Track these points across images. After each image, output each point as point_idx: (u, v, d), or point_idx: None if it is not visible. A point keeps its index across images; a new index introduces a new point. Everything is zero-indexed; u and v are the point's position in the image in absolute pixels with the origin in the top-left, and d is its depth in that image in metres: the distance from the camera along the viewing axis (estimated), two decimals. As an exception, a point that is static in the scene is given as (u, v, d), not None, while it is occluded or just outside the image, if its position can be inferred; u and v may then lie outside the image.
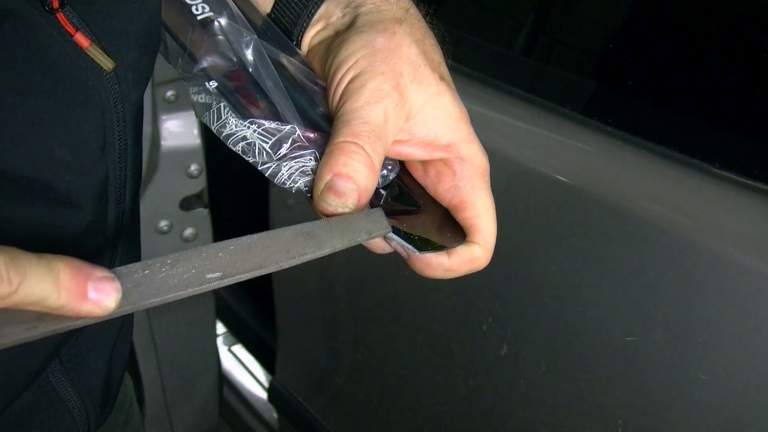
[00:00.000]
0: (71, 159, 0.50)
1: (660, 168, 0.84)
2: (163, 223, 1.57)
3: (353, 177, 0.47)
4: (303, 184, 0.50)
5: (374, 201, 0.51)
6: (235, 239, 0.43)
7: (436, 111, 0.51)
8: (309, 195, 0.50)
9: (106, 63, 0.50)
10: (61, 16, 0.48)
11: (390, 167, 0.53)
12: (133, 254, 0.63)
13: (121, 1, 0.51)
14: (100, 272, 0.38)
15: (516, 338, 0.98)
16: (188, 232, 1.61)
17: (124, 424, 0.77)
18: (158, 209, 1.55)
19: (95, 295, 0.38)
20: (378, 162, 0.48)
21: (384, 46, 0.50)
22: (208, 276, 0.41)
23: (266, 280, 1.59)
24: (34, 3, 0.47)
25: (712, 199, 0.79)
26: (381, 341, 1.27)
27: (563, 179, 0.91)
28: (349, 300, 1.32)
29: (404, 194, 0.53)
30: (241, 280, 0.43)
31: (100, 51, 0.49)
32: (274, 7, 0.57)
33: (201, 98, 0.53)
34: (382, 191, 0.53)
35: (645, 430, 0.85)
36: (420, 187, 0.54)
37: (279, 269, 0.44)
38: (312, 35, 0.56)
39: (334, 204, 0.47)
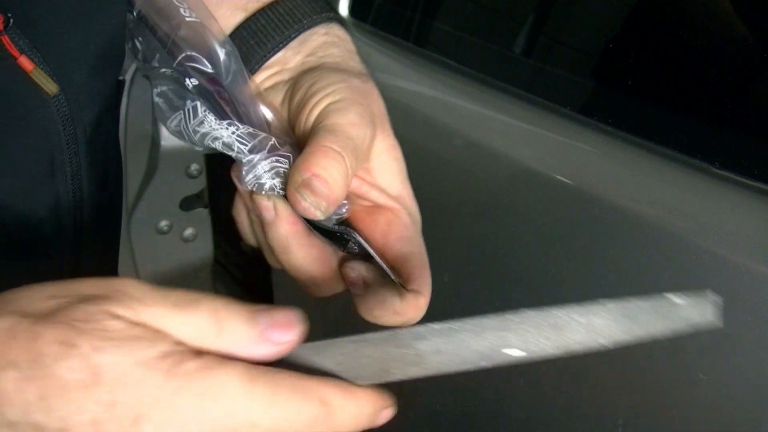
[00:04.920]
0: (15, 184, 0.50)
1: (660, 168, 0.84)
2: (163, 223, 1.57)
3: (330, 183, 0.45)
4: (278, 183, 0.49)
5: (341, 237, 0.50)
6: (538, 311, 0.40)
7: (391, 162, 0.52)
8: (281, 194, 0.49)
9: (50, 87, 0.49)
10: (5, 38, 0.47)
11: (346, 203, 0.52)
12: (105, 271, 0.63)
13: (73, 22, 0.51)
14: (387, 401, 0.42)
15: (516, 338, 0.98)
16: (188, 232, 1.61)
17: None
18: (158, 209, 1.55)
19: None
20: (350, 180, 0.47)
21: (360, 86, 0.50)
22: (506, 351, 0.39)
23: (266, 279, 1.59)
24: None
25: (712, 199, 0.79)
26: (381, 341, 1.26)
27: (563, 179, 0.91)
28: (349, 300, 1.32)
29: (348, 231, 0.52)
30: (540, 359, 0.40)
31: (44, 75, 0.49)
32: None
33: (164, 98, 0.53)
34: (335, 226, 0.51)
35: (645, 430, 0.85)
36: (363, 233, 0.54)
37: (583, 353, 0.41)
38: (263, 78, 0.55)
39: (309, 201, 0.45)
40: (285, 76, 0.54)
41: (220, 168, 1.68)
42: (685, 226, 0.80)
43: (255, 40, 0.54)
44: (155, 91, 0.53)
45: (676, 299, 0.43)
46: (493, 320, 0.39)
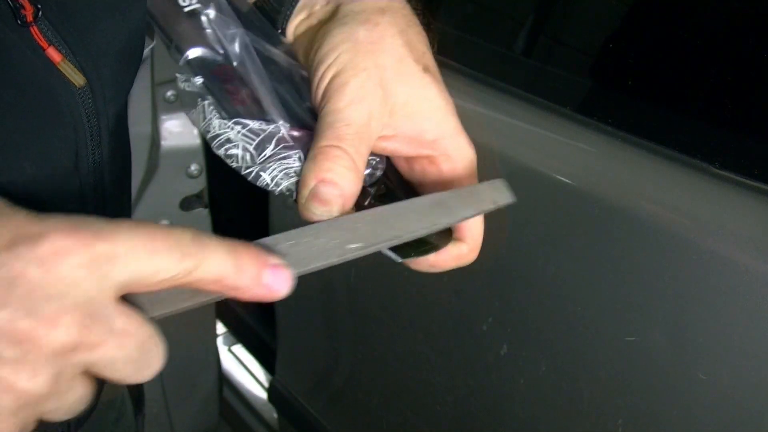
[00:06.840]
0: (42, 175, 0.50)
1: (660, 168, 0.84)
2: (163, 223, 1.57)
3: (338, 182, 0.46)
4: (286, 188, 0.49)
5: (359, 200, 0.50)
6: (370, 210, 0.45)
7: (421, 104, 0.50)
8: (293, 199, 0.49)
9: (77, 79, 0.49)
10: (34, 29, 0.47)
11: (376, 164, 0.52)
12: None
13: (100, 16, 0.51)
14: (274, 260, 0.40)
15: (516, 338, 0.98)
16: (188, 232, 1.61)
17: (115, 421, 0.77)
18: (158, 209, 1.55)
19: (270, 280, 0.40)
20: (362, 164, 0.48)
21: (366, 38, 0.49)
22: (349, 246, 0.43)
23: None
24: (4, 18, 0.46)
25: (712, 199, 0.79)
26: (381, 341, 1.27)
27: (563, 179, 0.91)
28: (349, 300, 1.32)
29: (390, 193, 0.53)
30: (380, 249, 0.44)
31: (71, 67, 0.49)
32: None
33: (189, 87, 0.53)
34: (369, 189, 0.52)
35: (645, 430, 0.85)
36: (405, 183, 0.53)
37: (413, 238, 0.46)
38: (296, 24, 0.54)
39: (319, 212, 0.46)
40: (313, 20, 0.54)
41: (220, 168, 1.68)
42: (685, 225, 0.80)
43: None
44: (180, 85, 0.53)
45: (476, 186, 0.50)
46: (330, 222, 0.44)
